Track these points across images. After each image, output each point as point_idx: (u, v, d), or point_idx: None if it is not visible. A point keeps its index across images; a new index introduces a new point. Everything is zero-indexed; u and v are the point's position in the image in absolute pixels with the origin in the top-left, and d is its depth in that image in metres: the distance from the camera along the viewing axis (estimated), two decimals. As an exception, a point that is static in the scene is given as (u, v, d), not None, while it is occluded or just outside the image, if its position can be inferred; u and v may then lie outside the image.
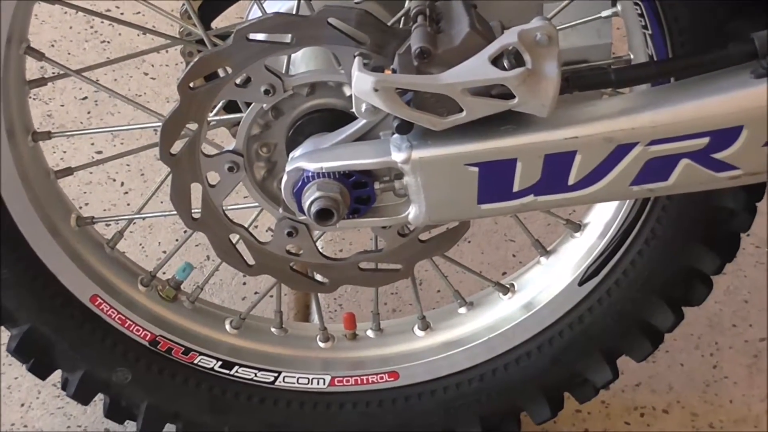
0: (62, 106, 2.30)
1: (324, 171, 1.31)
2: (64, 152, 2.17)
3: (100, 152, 2.18)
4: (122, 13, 2.44)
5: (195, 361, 1.60)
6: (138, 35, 2.44)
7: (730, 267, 1.98)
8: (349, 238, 2.06)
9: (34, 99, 2.28)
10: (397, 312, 1.94)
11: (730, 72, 1.27)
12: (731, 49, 1.27)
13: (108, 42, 2.45)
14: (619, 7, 1.40)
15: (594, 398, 1.66)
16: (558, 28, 1.24)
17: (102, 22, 2.48)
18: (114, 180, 2.16)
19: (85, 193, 2.12)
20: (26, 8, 1.42)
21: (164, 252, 1.99)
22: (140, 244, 2.04)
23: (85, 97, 2.31)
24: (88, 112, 2.28)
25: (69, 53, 2.39)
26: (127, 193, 2.14)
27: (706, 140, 1.26)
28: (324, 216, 1.31)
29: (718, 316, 1.94)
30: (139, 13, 2.46)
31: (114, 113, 2.28)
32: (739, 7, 1.33)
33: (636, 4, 1.34)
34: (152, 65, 2.40)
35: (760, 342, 1.91)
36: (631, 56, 1.42)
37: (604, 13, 1.45)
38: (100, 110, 2.29)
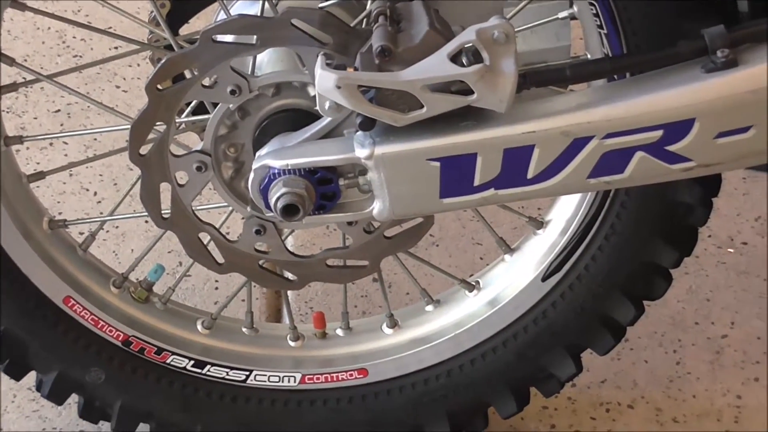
0: (35, 118, 2.32)
1: (290, 168, 1.34)
2: (38, 163, 2.19)
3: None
4: (90, 21, 2.47)
5: (167, 361, 1.62)
6: (110, 49, 2.47)
7: (693, 267, 2.03)
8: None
9: (7, 112, 2.31)
10: (367, 314, 1.96)
11: (682, 67, 1.30)
12: (682, 46, 1.31)
13: (80, 56, 2.48)
14: (575, 8, 1.43)
15: (560, 395, 1.68)
16: (517, 30, 1.27)
17: (74, 37, 2.51)
18: (87, 189, 2.18)
19: (58, 202, 2.15)
20: (-3, 14, 1.45)
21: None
22: (113, 252, 2.07)
23: (58, 110, 2.34)
24: (61, 124, 2.31)
25: (42, 67, 2.42)
26: (100, 202, 2.16)
27: (659, 133, 1.29)
28: (290, 211, 1.33)
29: (681, 314, 1.98)
30: (110, 27, 2.49)
31: (87, 125, 2.31)
32: (691, 9, 1.37)
33: (591, 4, 1.38)
34: (124, 78, 2.43)
35: (721, 339, 1.94)
36: (588, 56, 1.45)
37: (561, 15, 1.48)
38: (73, 122, 2.32)
